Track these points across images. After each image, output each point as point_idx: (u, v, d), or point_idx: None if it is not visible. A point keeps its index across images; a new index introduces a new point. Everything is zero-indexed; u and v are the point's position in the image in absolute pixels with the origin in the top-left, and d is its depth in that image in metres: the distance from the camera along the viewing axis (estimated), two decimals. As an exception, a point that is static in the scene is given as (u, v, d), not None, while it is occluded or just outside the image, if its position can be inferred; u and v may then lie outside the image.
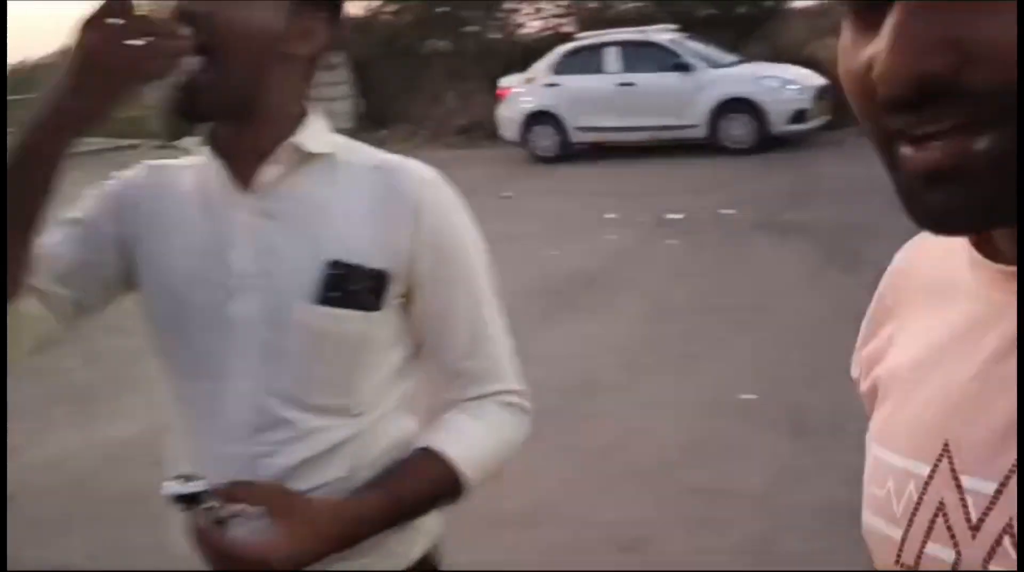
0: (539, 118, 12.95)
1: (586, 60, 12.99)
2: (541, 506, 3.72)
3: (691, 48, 12.95)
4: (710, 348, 5.39)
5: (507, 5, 17.92)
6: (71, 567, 3.47)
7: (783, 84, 12.14)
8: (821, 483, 3.57)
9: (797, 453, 4.00)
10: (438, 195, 1.28)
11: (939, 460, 0.59)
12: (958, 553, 0.56)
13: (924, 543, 0.59)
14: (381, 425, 1.27)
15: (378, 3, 19.24)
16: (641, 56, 12.77)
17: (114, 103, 1.09)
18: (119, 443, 4.58)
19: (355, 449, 1.24)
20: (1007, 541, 0.53)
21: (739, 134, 12.11)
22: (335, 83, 19.43)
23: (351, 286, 1.20)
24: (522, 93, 13.19)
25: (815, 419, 4.21)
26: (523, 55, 14.62)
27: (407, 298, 1.26)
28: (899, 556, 0.62)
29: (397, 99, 17.22)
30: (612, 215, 9.13)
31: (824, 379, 4.06)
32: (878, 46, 0.48)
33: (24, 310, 1.19)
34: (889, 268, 0.75)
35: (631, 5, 16.98)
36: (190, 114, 1.20)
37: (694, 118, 12.24)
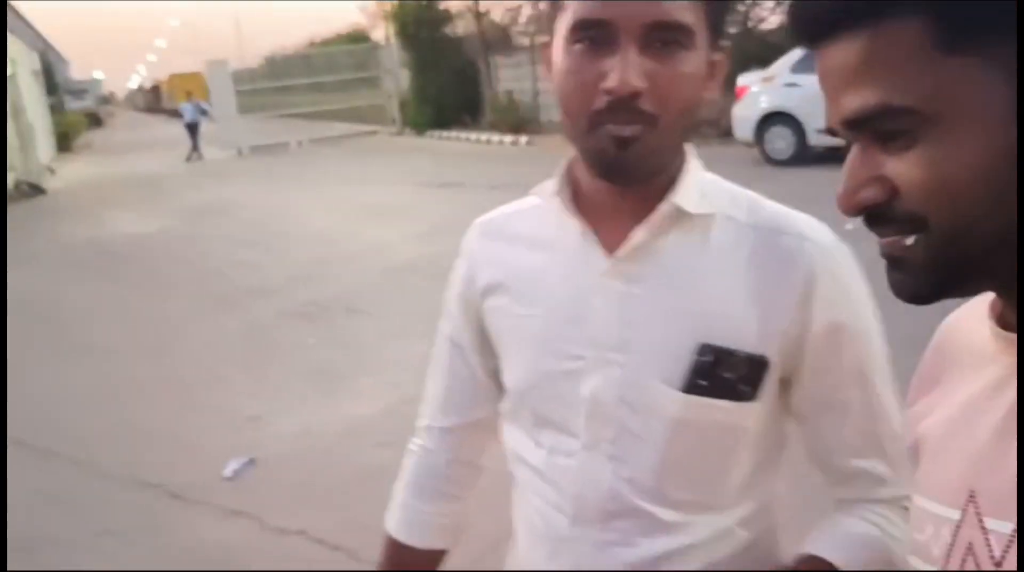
0: (776, 118, 12.45)
1: (829, 58, 12.42)
2: None
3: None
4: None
5: (747, -1, 17.42)
6: (312, 534, 3.73)
7: None
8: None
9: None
10: (836, 263, 1.06)
11: (967, 506, 0.69)
12: None
13: None
14: (745, 523, 1.11)
15: None
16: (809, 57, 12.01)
17: None
18: (356, 421, 4.86)
19: (715, 547, 1.09)
20: None
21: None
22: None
23: (724, 373, 1.04)
24: (760, 92, 12.78)
25: None
26: (762, 50, 14.15)
27: (787, 383, 1.08)
28: None
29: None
30: (851, 226, 8.66)
31: None
32: None
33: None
34: (938, 330, 0.86)
35: None
36: (623, 177, 1.03)
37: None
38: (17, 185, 17.59)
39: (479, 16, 22.34)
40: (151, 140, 32.92)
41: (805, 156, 12.35)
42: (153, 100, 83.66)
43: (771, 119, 12.58)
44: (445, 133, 22.50)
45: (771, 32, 16.58)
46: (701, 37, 1.00)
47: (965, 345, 0.79)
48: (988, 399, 0.71)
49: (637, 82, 0.96)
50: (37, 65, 29.21)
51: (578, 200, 1.11)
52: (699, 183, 1.09)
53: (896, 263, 0.68)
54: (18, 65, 21.35)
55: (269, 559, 3.54)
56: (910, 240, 0.66)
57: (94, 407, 5.46)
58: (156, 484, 4.31)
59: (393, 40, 25.03)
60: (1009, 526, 0.65)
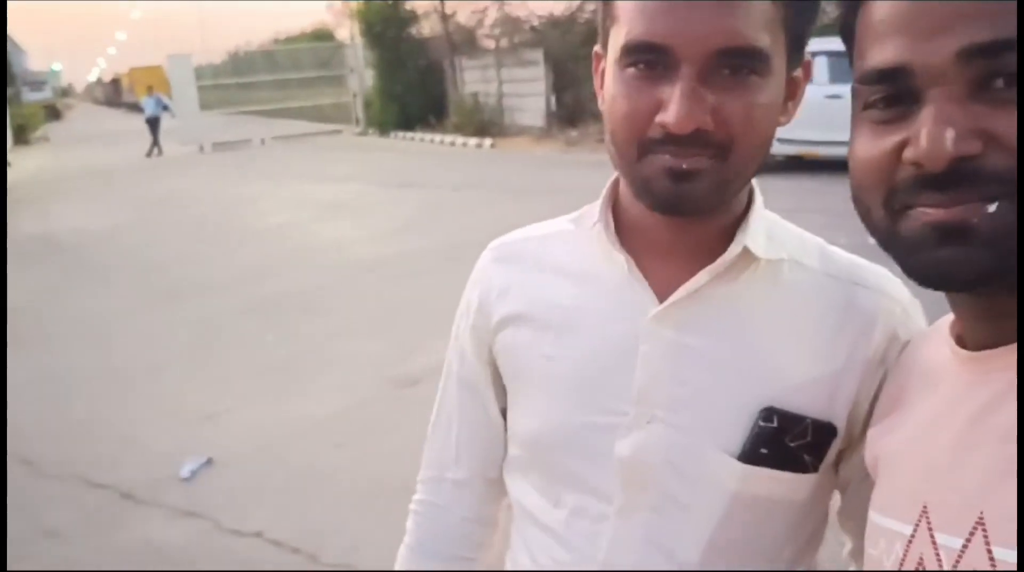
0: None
1: (792, 68, 12.54)
2: None
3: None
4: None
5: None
6: (269, 535, 3.68)
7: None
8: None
9: None
10: (914, 326, 0.94)
11: (919, 521, 0.69)
12: None
13: None
14: None
15: (578, 1, 19.38)
16: (850, 68, 12.18)
17: None
18: (313, 421, 4.80)
19: None
20: None
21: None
22: (531, 80, 19.77)
23: (788, 441, 0.91)
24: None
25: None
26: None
27: (842, 452, 0.96)
28: None
29: (592, 99, 17.15)
30: (872, 241, 8.72)
31: None
32: (912, 131, 0.63)
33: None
34: (901, 354, 0.86)
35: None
36: (680, 211, 0.88)
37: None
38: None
39: (445, 17, 22.28)
40: (111, 134, 32.44)
41: (764, 165, 12.44)
42: (113, 93, 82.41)
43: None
44: (409, 134, 22.41)
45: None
46: (779, 59, 0.85)
47: (925, 366, 0.79)
48: (944, 415, 0.71)
49: (699, 121, 0.82)
50: (-8, 55, 28.68)
51: (620, 230, 0.97)
52: (766, 223, 0.96)
53: (962, 235, 0.62)
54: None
55: (225, 561, 3.49)
56: (992, 206, 0.60)
57: (36, 403, 5.35)
58: (104, 484, 4.22)
59: (358, 39, 24.88)
60: (959, 541, 0.65)
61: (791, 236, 0.98)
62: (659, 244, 0.94)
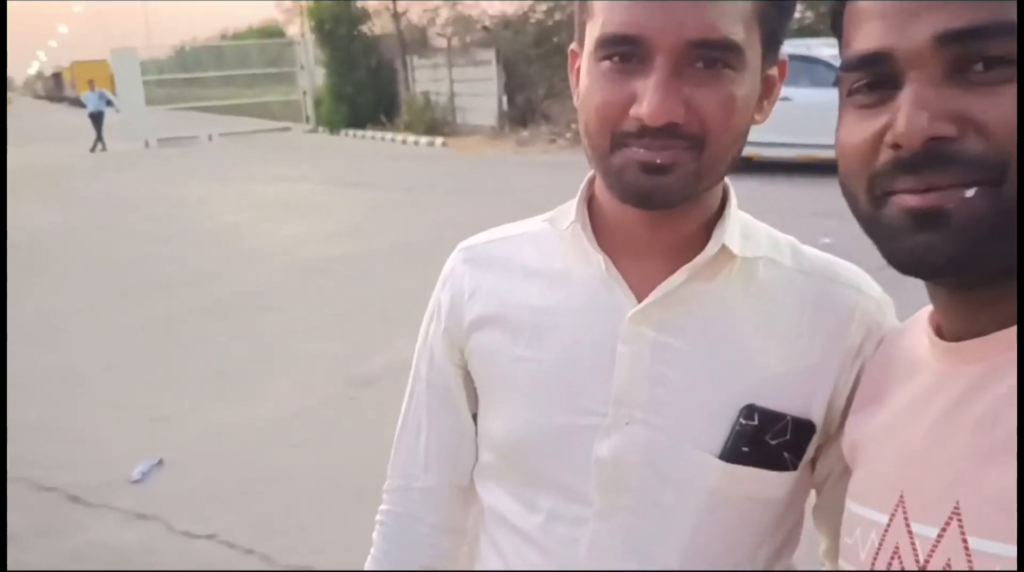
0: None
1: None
2: None
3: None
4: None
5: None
6: (223, 537, 3.65)
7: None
8: None
9: None
10: (887, 322, 0.95)
11: (895, 510, 0.70)
12: None
13: None
14: None
15: (530, 2, 19.41)
16: (800, 70, 12.34)
17: None
18: (267, 422, 4.77)
19: None
20: None
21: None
22: (483, 80, 19.77)
23: (769, 439, 0.91)
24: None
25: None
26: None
27: (822, 447, 0.96)
28: None
29: (542, 101, 17.29)
30: (828, 240, 8.85)
31: None
32: (892, 114, 0.63)
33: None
34: (880, 345, 0.88)
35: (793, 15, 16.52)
36: (653, 204, 0.88)
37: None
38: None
39: (397, 16, 22.19)
40: (53, 129, 31.73)
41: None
42: (55, 87, 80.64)
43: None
44: (360, 132, 22.27)
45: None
46: (753, 54, 0.85)
47: (903, 356, 0.79)
48: (922, 404, 0.71)
49: (673, 113, 0.82)
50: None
51: (597, 230, 0.96)
52: (740, 222, 0.96)
53: (936, 220, 0.62)
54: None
55: (177, 563, 3.46)
56: (970, 192, 0.61)
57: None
58: (53, 486, 4.16)
59: (309, 36, 24.67)
60: (934, 531, 0.65)
61: (765, 235, 0.99)
62: (635, 243, 0.94)
